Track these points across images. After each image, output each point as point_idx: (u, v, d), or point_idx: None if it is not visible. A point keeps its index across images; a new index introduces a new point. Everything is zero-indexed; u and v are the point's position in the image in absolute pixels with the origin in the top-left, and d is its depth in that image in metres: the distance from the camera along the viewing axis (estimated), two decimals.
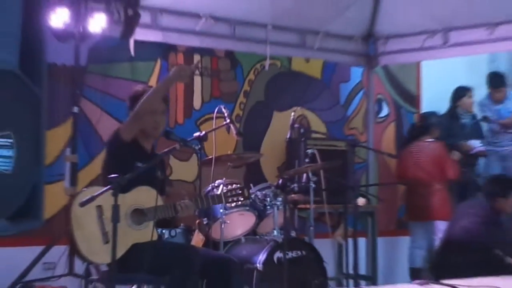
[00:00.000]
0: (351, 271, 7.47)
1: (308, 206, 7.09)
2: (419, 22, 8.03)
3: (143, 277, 5.28)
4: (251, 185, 6.62)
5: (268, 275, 6.11)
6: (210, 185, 6.43)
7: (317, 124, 8.82)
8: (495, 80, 9.23)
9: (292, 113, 7.93)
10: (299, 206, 7.19)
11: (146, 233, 5.18)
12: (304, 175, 7.07)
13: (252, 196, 6.38)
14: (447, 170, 8.42)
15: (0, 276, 6.47)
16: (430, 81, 9.73)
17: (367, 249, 8.33)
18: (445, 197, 8.41)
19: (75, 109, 6.80)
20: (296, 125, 7.92)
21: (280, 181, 6.61)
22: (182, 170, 7.52)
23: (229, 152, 7.53)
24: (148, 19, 7.02)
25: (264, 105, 8.53)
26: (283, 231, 6.46)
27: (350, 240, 7.39)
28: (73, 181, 6.52)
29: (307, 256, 6.40)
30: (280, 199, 6.60)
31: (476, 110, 9.29)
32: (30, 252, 6.48)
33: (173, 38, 7.38)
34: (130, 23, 6.79)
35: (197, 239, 6.47)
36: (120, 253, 4.85)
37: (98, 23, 6.62)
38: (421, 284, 4.73)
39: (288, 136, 7.99)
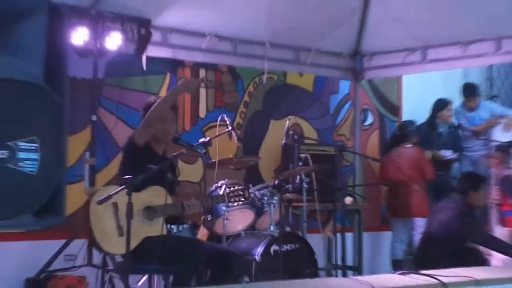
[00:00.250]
0: (339, 262, 7.41)
1: (301, 204, 7.09)
2: (400, 41, 8.02)
3: (154, 268, 5.28)
4: (250, 185, 6.61)
5: (265, 265, 6.10)
6: (214, 185, 6.42)
7: (309, 131, 8.81)
8: (468, 90, 9.23)
9: (287, 122, 7.93)
10: (293, 204, 7.17)
11: (157, 227, 5.18)
12: (298, 176, 7.06)
13: (251, 195, 6.37)
14: (424, 172, 8.43)
15: (27, 266, 6.49)
16: (410, 93, 9.72)
17: (353, 243, 8.32)
18: (423, 196, 8.40)
19: (94, 118, 6.81)
20: (290, 132, 7.94)
21: (276, 182, 6.59)
22: (189, 172, 7.50)
23: (230, 156, 7.53)
24: (158, 38, 7.00)
25: (262, 114, 8.51)
26: (279, 226, 6.47)
27: (338, 235, 7.35)
28: (92, 182, 6.53)
29: (300, 249, 6.40)
30: (276, 198, 6.59)
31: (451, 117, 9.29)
32: (53, 245, 6.49)
33: (181, 55, 7.37)
34: (142, 41, 6.80)
35: (202, 234, 6.48)
36: (133, 245, 4.85)
37: (114, 41, 6.63)
38: (401, 274, 4.72)
39: (283, 142, 8.00)
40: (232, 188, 5.86)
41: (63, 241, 6.51)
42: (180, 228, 5.65)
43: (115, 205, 5.03)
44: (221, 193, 5.93)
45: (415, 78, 9.34)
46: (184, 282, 5.06)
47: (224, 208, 6.27)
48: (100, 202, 4.88)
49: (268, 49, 7.76)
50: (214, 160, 6.79)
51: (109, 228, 5.05)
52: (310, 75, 8.82)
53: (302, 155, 7.49)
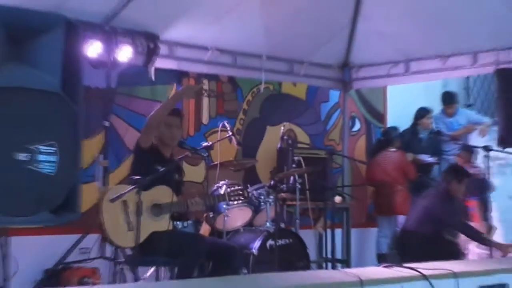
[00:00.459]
0: (329, 256, 7.45)
1: (294, 202, 7.09)
2: (385, 54, 8.02)
3: (161, 260, 5.27)
4: (248, 185, 6.60)
5: (262, 258, 6.09)
6: (215, 185, 6.41)
7: (302, 136, 8.81)
8: (447, 98, 9.23)
9: (282, 127, 7.95)
10: (287, 202, 7.17)
11: (163, 223, 5.18)
12: (292, 177, 7.07)
13: (249, 194, 6.37)
14: (407, 174, 8.43)
15: (45, 258, 6.48)
16: (394, 102, 9.73)
17: (342, 238, 8.31)
18: (406, 196, 8.39)
19: (106, 123, 6.82)
20: (285, 137, 7.96)
21: (272, 182, 6.60)
22: (193, 173, 7.49)
23: (230, 159, 7.55)
24: (165, 51, 7.00)
25: (259, 120, 8.51)
26: (274, 223, 6.48)
27: (328, 231, 7.38)
28: (105, 182, 6.53)
29: (294, 243, 6.39)
30: (272, 197, 6.59)
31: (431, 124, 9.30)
32: (69, 239, 6.49)
33: (186, 66, 7.37)
34: (151, 54, 6.80)
35: (205, 229, 6.48)
36: (141, 239, 4.86)
37: (125, 54, 6.63)
38: (386, 267, 4.71)
39: (278, 146, 8.01)
40: (232, 188, 5.86)
41: (78, 236, 6.51)
42: (185, 224, 5.65)
43: (125, 203, 5.03)
44: (222, 192, 5.94)
45: (399, 88, 9.35)
46: (187, 274, 5.06)
47: (224, 206, 6.27)
48: (112, 200, 4.89)
49: (264, 62, 7.75)
50: (215, 163, 6.80)
51: (118, 223, 5.05)
52: (303, 85, 8.82)
53: (296, 158, 7.50)
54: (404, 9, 7.25)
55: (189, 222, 5.78)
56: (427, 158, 8.88)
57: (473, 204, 7.94)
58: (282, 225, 6.75)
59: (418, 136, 8.96)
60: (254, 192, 6.61)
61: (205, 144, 6.15)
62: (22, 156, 2.53)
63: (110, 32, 6.52)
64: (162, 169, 5.18)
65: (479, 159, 7.63)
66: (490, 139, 8.00)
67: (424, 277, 4.30)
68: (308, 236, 6.96)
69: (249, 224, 6.60)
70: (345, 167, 8.96)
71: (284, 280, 4.31)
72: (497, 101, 6.40)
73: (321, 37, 7.83)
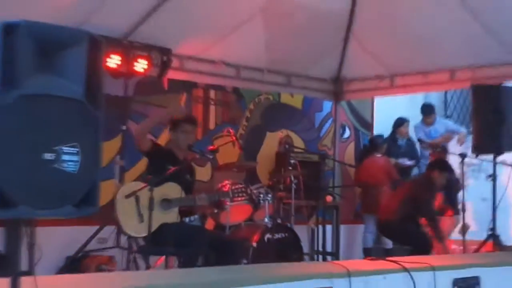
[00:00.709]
0: (320, 249, 7.46)
1: (290, 201, 7.08)
2: (373, 70, 8.03)
3: (170, 250, 5.27)
4: (249, 184, 6.61)
5: (260, 251, 6.08)
6: (220, 184, 6.42)
7: (298, 141, 8.81)
8: (426, 109, 9.24)
9: (280, 134, 7.96)
10: (284, 201, 7.16)
11: (172, 216, 5.19)
12: (288, 178, 7.07)
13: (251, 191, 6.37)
14: (391, 176, 8.44)
15: (67, 246, 6.49)
16: (381, 112, 9.73)
17: (332, 233, 8.31)
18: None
19: (123, 127, 6.83)
20: (282, 142, 7.97)
21: (271, 182, 6.62)
22: (200, 173, 7.49)
23: (234, 161, 7.56)
24: (177, 64, 7.01)
25: (260, 127, 8.52)
26: (272, 218, 6.48)
27: (320, 226, 7.40)
28: (121, 180, 6.54)
29: (289, 237, 6.39)
30: (270, 195, 6.60)
31: (412, 131, 9.30)
32: (88, 230, 6.49)
33: (195, 77, 7.38)
34: (164, 66, 6.81)
35: (210, 224, 6.49)
36: (152, 229, 4.87)
37: (141, 65, 6.64)
38: (371, 260, 4.71)
39: (277, 150, 8.02)
40: (235, 186, 5.87)
41: (96, 227, 6.51)
42: (192, 219, 5.65)
43: (137, 197, 5.05)
44: (226, 189, 5.94)
45: (385, 100, 9.37)
46: (191, 263, 5.06)
47: (228, 203, 6.28)
48: (127, 196, 4.91)
49: (265, 74, 7.77)
50: (220, 164, 6.81)
51: (131, 215, 5.07)
52: (300, 96, 8.83)
53: (292, 161, 7.48)
54: (390, 31, 7.27)
55: (196, 216, 5.77)
56: (406, 162, 8.90)
57: (440, 198, 7.93)
58: (279, 221, 6.75)
59: (397, 143, 8.98)
60: (254, 191, 6.61)
61: (211, 147, 6.18)
62: (48, 156, 2.53)
63: (128, 46, 6.54)
64: (171, 168, 5.19)
65: (456, 164, 7.63)
66: (466, 147, 8.01)
67: (405, 269, 4.30)
68: (302, 231, 6.96)
69: (249, 219, 6.60)
70: (335, 170, 8.96)
71: (280, 270, 4.31)
72: (472, 113, 6.40)
73: (316, 53, 7.85)
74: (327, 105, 9.14)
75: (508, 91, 6.30)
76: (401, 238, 7.36)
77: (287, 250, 6.29)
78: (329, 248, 8.01)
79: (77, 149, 2.54)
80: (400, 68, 7.86)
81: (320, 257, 7.58)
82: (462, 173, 6.94)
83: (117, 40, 6.44)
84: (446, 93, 10.73)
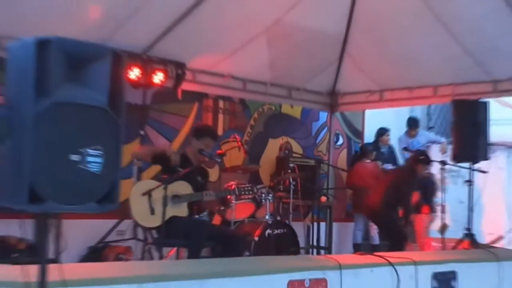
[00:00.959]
0: (315, 244, 7.45)
1: (288, 200, 7.08)
2: (364, 85, 8.02)
3: (180, 242, 5.26)
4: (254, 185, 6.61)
5: (261, 244, 6.09)
6: (226, 184, 6.42)
7: (296, 147, 8.81)
8: (412, 123, 9.22)
9: (281, 140, 7.95)
10: (283, 200, 7.17)
11: (181, 210, 5.18)
12: (287, 180, 7.07)
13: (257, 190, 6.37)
14: (378, 179, 8.41)
15: (89, 237, 6.48)
16: (370, 123, 9.72)
17: (325, 230, 8.30)
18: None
19: (142, 132, 6.85)
20: (283, 148, 7.96)
21: (272, 183, 6.61)
22: (209, 174, 7.51)
23: (239, 164, 7.56)
24: (190, 76, 7.01)
25: (263, 134, 8.51)
26: (272, 216, 6.47)
27: (315, 224, 7.38)
28: (139, 179, 6.54)
29: (287, 233, 6.38)
30: (271, 195, 6.59)
31: (396, 142, 9.29)
32: (108, 223, 6.50)
33: (206, 89, 7.37)
34: (179, 78, 6.82)
35: (217, 219, 6.48)
36: (162, 221, 4.87)
37: (158, 77, 6.64)
38: (360, 254, 4.71)
39: (277, 155, 8.01)
40: (241, 186, 5.86)
41: (115, 221, 6.51)
42: (201, 215, 5.65)
43: (149, 193, 5.05)
44: (233, 188, 5.93)
45: (374, 112, 9.35)
46: (195, 254, 5.04)
47: (233, 201, 6.28)
48: (144, 194, 4.92)
49: (268, 87, 7.76)
50: (227, 166, 6.81)
51: (144, 208, 5.07)
52: (299, 107, 8.82)
53: (291, 165, 7.50)
54: (380, 51, 7.27)
55: (205, 213, 5.77)
56: (389, 167, 8.90)
57: (417, 197, 7.91)
58: (278, 218, 6.75)
59: (380, 150, 8.98)
60: (257, 191, 6.61)
61: (219, 151, 6.18)
62: (75, 157, 2.54)
63: (147, 60, 6.55)
64: (182, 171, 5.19)
65: (437, 171, 7.61)
66: (446, 155, 7.99)
67: (390, 263, 4.29)
68: (298, 228, 6.96)
69: (252, 216, 6.60)
70: (329, 174, 8.96)
71: (279, 262, 4.31)
72: (452, 125, 6.39)
73: (314, 69, 7.85)
74: (323, 116, 9.13)
75: (484, 106, 6.29)
76: (384, 224, 7.27)
77: (285, 244, 6.29)
78: (322, 243, 7.99)
79: (100, 152, 2.55)
80: (388, 83, 7.85)
81: (315, 251, 7.56)
82: (443, 178, 6.91)
83: (137, 55, 6.46)
84: (429, 107, 10.72)
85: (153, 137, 7.33)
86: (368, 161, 8.56)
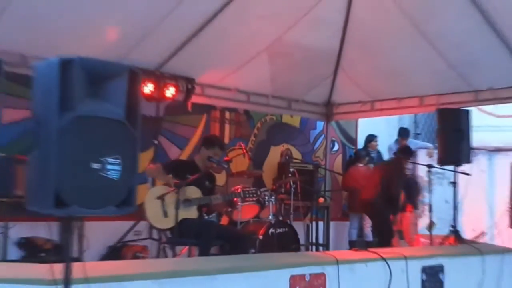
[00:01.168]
0: (314, 241, 7.43)
1: (289, 202, 7.08)
2: (357, 96, 8.01)
3: (192, 241, 5.24)
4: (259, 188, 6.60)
5: (265, 242, 6.07)
6: (233, 188, 6.41)
7: (296, 154, 8.80)
8: (404, 132, 9.21)
9: (282, 147, 7.94)
10: (285, 201, 7.16)
11: (191, 212, 5.16)
12: (288, 183, 7.06)
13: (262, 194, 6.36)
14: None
15: (109, 237, 6.50)
16: (363, 130, 9.70)
17: (323, 228, 8.29)
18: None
19: (155, 142, 6.86)
20: (284, 154, 7.95)
21: (274, 187, 6.60)
22: (216, 179, 7.50)
23: (244, 169, 7.55)
24: (199, 90, 7.02)
25: (266, 142, 8.51)
26: (275, 216, 6.46)
27: (314, 223, 7.37)
28: (153, 184, 6.53)
29: (289, 231, 6.36)
30: (273, 197, 6.58)
31: (385, 151, 9.27)
32: (126, 224, 6.51)
33: (213, 102, 7.38)
34: (189, 92, 6.83)
35: (224, 220, 6.47)
36: (174, 223, 4.86)
37: (170, 91, 6.66)
38: (355, 251, 4.69)
39: (279, 161, 8.01)
40: (246, 189, 5.86)
41: (133, 222, 6.52)
42: (211, 216, 5.64)
43: (162, 197, 5.04)
44: (239, 191, 5.93)
45: (367, 121, 9.34)
46: (205, 252, 5.02)
47: (239, 203, 6.27)
48: (158, 198, 4.91)
49: (270, 99, 7.77)
50: (233, 172, 6.80)
51: (157, 211, 5.06)
52: (298, 117, 8.82)
53: (291, 170, 7.49)
54: (371, 65, 7.27)
55: (213, 214, 5.76)
56: None
57: (402, 196, 7.88)
58: (280, 218, 6.74)
59: (370, 155, 8.97)
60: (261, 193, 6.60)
61: (226, 158, 6.17)
62: (95, 166, 2.54)
63: (160, 76, 6.57)
64: (190, 177, 5.18)
65: (424, 173, 7.59)
66: (432, 159, 7.98)
67: (383, 258, 4.28)
68: (299, 227, 6.95)
69: (257, 217, 6.60)
70: (326, 177, 8.94)
71: (281, 258, 4.30)
72: (437, 132, 6.37)
73: (311, 83, 7.85)
74: (320, 124, 9.13)
75: (466, 114, 6.28)
76: (376, 216, 7.23)
77: (287, 242, 6.27)
78: (321, 241, 7.98)
79: (119, 160, 2.55)
80: (379, 95, 7.84)
81: (314, 248, 7.55)
82: (429, 180, 6.89)
83: (151, 71, 6.47)
84: (416, 115, 10.70)
85: (166, 146, 7.33)
86: (361, 165, 8.55)
